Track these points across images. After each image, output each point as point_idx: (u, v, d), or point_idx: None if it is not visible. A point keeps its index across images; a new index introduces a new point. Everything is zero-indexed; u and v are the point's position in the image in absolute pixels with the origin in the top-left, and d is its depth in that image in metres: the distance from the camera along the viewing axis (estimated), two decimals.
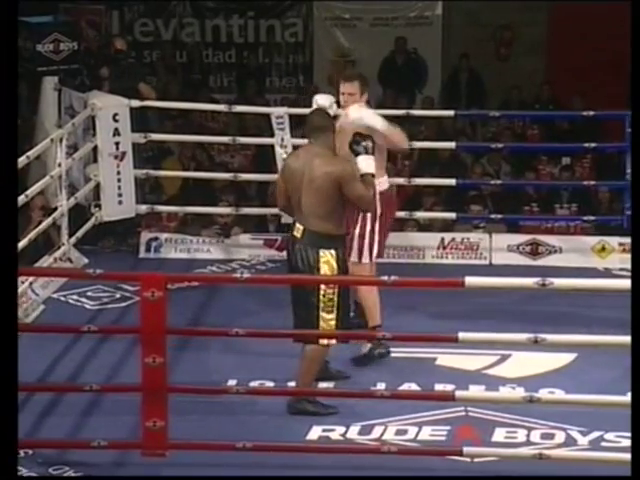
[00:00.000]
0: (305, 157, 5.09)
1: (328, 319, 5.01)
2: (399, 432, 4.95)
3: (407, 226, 7.84)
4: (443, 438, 4.91)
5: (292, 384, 5.38)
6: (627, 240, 7.46)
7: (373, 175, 5.07)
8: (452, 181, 7.44)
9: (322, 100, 5.78)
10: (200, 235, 7.65)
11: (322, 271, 4.99)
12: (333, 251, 5.02)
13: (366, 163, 5.06)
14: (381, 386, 5.32)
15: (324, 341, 5.05)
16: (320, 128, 5.07)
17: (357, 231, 5.59)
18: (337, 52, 11.39)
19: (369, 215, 5.55)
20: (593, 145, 7.66)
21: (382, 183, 5.62)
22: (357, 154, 5.09)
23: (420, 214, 7.70)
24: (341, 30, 11.41)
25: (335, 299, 5.00)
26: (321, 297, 4.98)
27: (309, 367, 5.08)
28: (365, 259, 5.61)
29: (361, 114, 5.61)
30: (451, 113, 7.96)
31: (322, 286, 4.96)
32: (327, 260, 5.02)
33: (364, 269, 5.61)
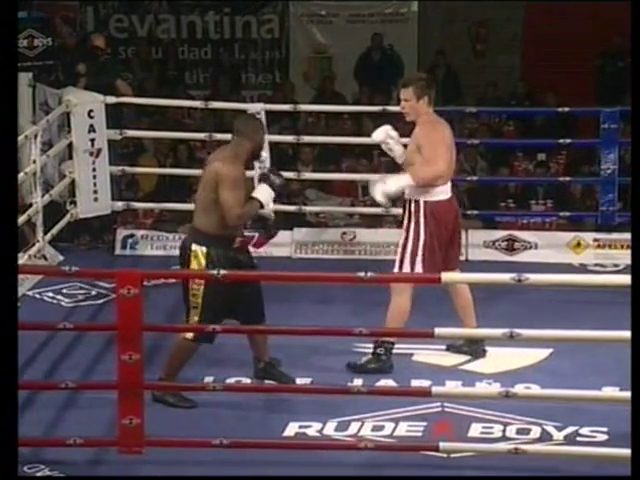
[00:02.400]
0: (213, 155, 5.26)
1: (192, 316, 5.10)
2: (376, 428, 4.96)
3: (385, 222, 7.86)
4: (419, 434, 4.92)
5: (269, 380, 5.39)
6: (601, 236, 7.51)
7: (262, 205, 5.06)
8: None
9: (378, 136, 5.62)
10: (176, 232, 7.63)
11: (191, 265, 5.08)
12: (204, 248, 5.07)
13: (262, 190, 5.08)
14: (358, 382, 5.32)
15: (188, 335, 5.10)
16: (238, 132, 5.15)
17: (400, 241, 5.46)
18: (313, 48, 11.39)
19: (412, 227, 5.39)
20: (568, 141, 7.70)
21: (430, 194, 5.38)
22: (264, 181, 5.11)
23: (397, 210, 7.70)
24: (317, 26, 11.40)
25: (200, 299, 5.06)
26: (190, 294, 5.07)
27: (171, 358, 5.15)
28: (405, 270, 5.39)
29: (381, 191, 5.37)
30: None
31: (190, 282, 5.05)
32: (196, 255, 5.09)
33: (406, 291, 5.37)
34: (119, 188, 7.80)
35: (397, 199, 5.65)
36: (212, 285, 4.99)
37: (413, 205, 5.41)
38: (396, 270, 5.43)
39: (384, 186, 5.36)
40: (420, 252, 5.38)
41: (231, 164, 5.06)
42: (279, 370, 5.38)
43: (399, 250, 5.46)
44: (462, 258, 7.43)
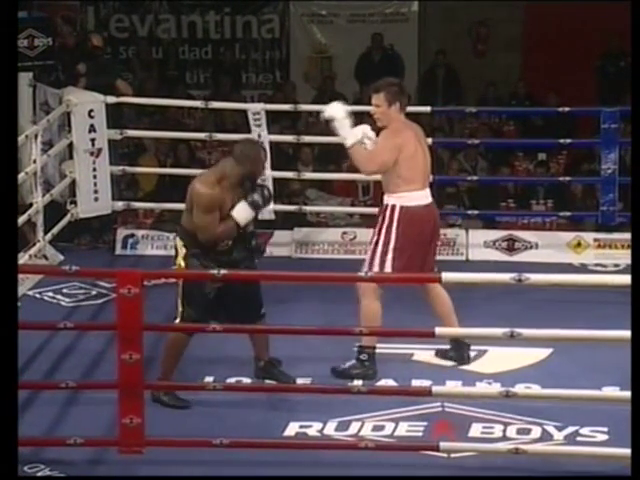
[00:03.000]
0: (200, 173, 5.42)
1: (179, 310, 5.18)
2: (376, 428, 4.96)
3: None
4: (420, 434, 4.92)
5: (270, 380, 5.39)
6: (602, 236, 7.51)
7: (239, 226, 5.04)
8: None
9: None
10: (177, 232, 7.63)
11: (177, 258, 5.19)
12: (183, 244, 5.16)
13: (240, 210, 5.05)
14: (358, 382, 5.32)
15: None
16: (234, 155, 5.16)
17: (372, 242, 5.45)
18: (314, 48, 11.39)
19: (384, 229, 5.39)
20: (568, 141, 7.71)
21: (404, 199, 5.39)
22: (246, 199, 5.08)
23: None
24: (318, 26, 11.40)
25: (181, 294, 5.16)
26: (179, 288, 5.17)
27: (165, 355, 5.19)
28: (375, 270, 5.35)
29: (332, 113, 5.42)
30: (428, 109, 7.98)
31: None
32: (178, 248, 5.19)
33: (374, 292, 5.33)
34: (119, 188, 7.80)
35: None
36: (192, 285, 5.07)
37: (389, 209, 5.41)
38: (365, 270, 5.35)
39: (337, 108, 5.39)
40: (390, 254, 5.35)
41: (209, 186, 5.06)
42: (279, 369, 5.38)
43: (369, 251, 5.46)
44: (462, 258, 7.50)
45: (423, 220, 5.42)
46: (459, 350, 5.58)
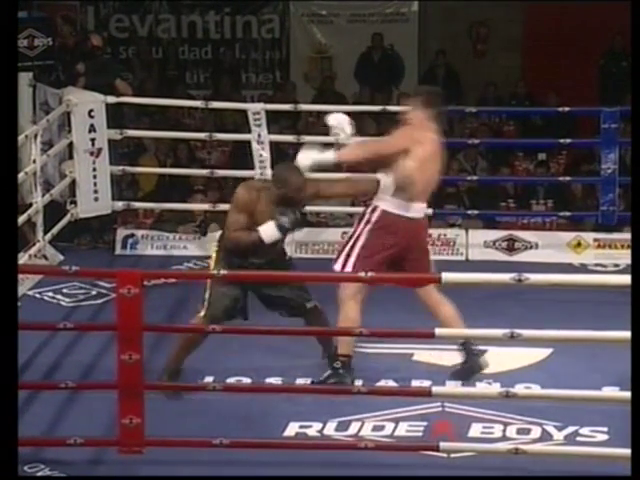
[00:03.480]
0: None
1: (205, 304, 5.24)
2: (376, 428, 4.96)
3: None
4: (420, 434, 4.92)
5: (270, 380, 5.40)
6: (602, 236, 7.51)
7: (262, 241, 5.07)
8: None
9: (333, 120, 5.43)
10: (176, 232, 7.63)
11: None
12: (216, 249, 5.29)
13: (267, 227, 5.09)
14: (358, 382, 5.32)
15: (197, 322, 5.23)
16: (273, 177, 5.28)
17: (345, 238, 5.41)
18: (314, 48, 11.39)
19: (359, 227, 5.29)
20: (568, 141, 7.71)
21: (390, 204, 5.26)
22: (276, 219, 5.12)
23: None
24: (318, 26, 11.40)
25: (206, 296, 5.22)
26: (204, 288, 5.25)
27: (179, 346, 5.25)
28: (337, 266, 5.29)
29: (303, 160, 5.28)
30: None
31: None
32: (212, 250, 5.33)
33: (349, 285, 5.27)
34: (119, 188, 7.80)
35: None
36: (218, 284, 5.10)
37: (371, 209, 5.31)
38: (334, 265, 5.31)
39: (308, 154, 5.28)
40: (356, 252, 5.27)
41: (248, 189, 5.23)
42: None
43: (341, 246, 5.42)
44: (462, 258, 7.50)
45: (400, 231, 5.24)
46: (470, 362, 5.45)
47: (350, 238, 5.35)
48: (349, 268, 5.26)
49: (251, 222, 5.15)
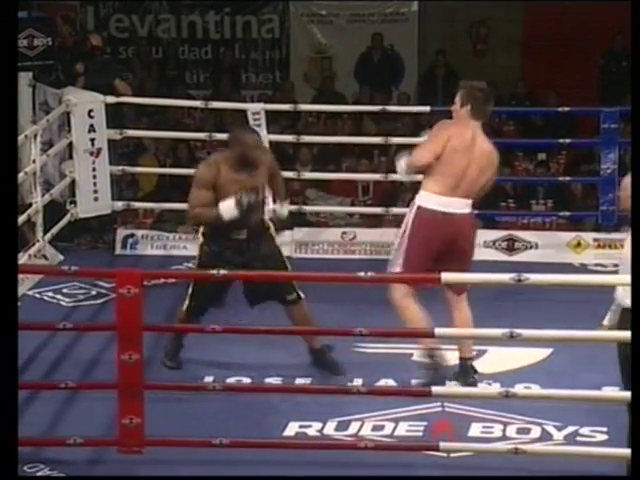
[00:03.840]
0: None
1: (188, 293, 5.42)
2: (376, 428, 4.96)
3: (384, 222, 7.85)
4: (420, 434, 4.92)
5: (269, 380, 5.40)
6: (602, 236, 7.51)
7: (221, 218, 5.18)
8: None
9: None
10: (176, 232, 7.63)
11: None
12: (202, 237, 5.42)
13: (226, 204, 5.21)
14: (358, 382, 5.32)
15: (183, 307, 5.43)
16: (230, 143, 5.40)
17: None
18: (314, 48, 11.40)
19: (401, 230, 5.31)
20: (568, 141, 7.70)
21: (425, 199, 5.27)
22: (235, 198, 5.22)
23: (397, 210, 7.71)
24: (318, 26, 11.40)
25: (190, 287, 5.40)
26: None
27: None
28: (391, 269, 5.30)
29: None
30: (427, 109, 7.96)
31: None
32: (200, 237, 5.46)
33: (398, 288, 5.26)
34: (119, 188, 7.80)
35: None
36: (205, 267, 5.26)
37: (410, 207, 5.35)
38: (389, 268, 5.36)
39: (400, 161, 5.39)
40: (402, 255, 5.28)
41: (206, 167, 5.38)
42: (326, 359, 5.45)
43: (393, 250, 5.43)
44: None
45: (438, 226, 5.22)
46: (465, 375, 5.42)
47: (397, 244, 5.35)
48: (398, 270, 5.27)
49: (215, 197, 5.26)
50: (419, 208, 5.28)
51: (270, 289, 5.36)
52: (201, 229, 5.45)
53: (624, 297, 4.19)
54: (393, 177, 7.58)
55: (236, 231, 5.32)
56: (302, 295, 5.45)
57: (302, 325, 5.40)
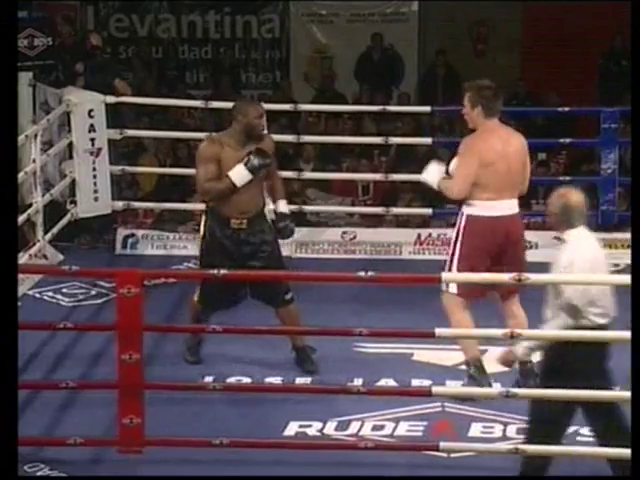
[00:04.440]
0: None
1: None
2: (376, 428, 4.96)
3: (385, 222, 7.86)
4: (420, 433, 4.92)
5: (270, 380, 5.40)
6: (602, 235, 7.48)
7: (234, 185, 5.23)
8: None
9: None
10: (177, 231, 7.63)
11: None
12: (204, 217, 5.47)
13: (236, 171, 5.25)
14: (358, 382, 5.32)
15: (195, 296, 5.51)
16: (231, 115, 5.53)
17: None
18: (314, 48, 11.40)
19: (452, 239, 5.29)
20: (568, 141, 7.70)
21: (472, 207, 5.24)
22: (246, 163, 5.27)
23: (397, 210, 7.71)
24: (318, 26, 11.40)
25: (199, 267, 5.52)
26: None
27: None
28: (444, 287, 5.21)
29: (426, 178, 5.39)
30: (427, 109, 7.97)
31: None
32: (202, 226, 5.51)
33: (449, 298, 5.23)
34: (119, 188, 7.80)
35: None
36: (206, 255, 5.36)
37: (459, 217, 5.30)
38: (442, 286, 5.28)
39: (427, 174, 5.37)
40: (455, 264, 5.24)
41: (208, 142, 5.44)
42: (308, 358, 5.47)
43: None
44: None
45: (489, 231, 5.17)
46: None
47: (449, 254, 5.32)
48: (453, 286, 5.21)
49: (220, 172, 5.29)
50: (469, 216, 5.24)
51: (268, 288, 5.36)
52: (204, 208, 5.48)
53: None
54: (393, 177, 7.59)
55: (237, 219, 5.33)
56: (294, 296, 5.47)
57: (293, 325, 5.41)
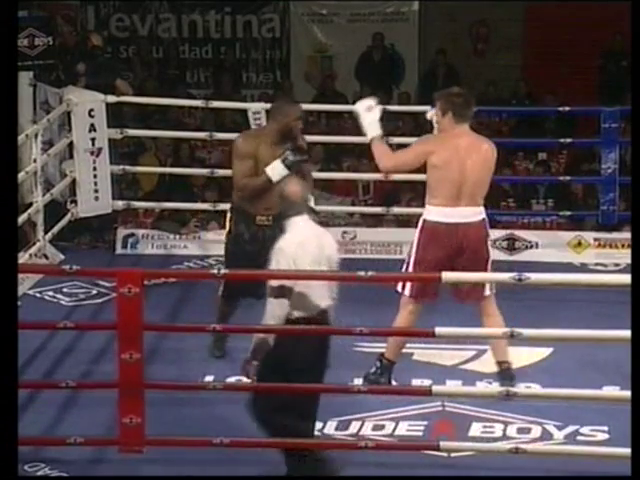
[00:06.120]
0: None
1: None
2: (376, 427, 4.96)
3: (385, 222, 7.86)
4: (420, 433, 4.92)
5: None
6: (602, 235, 7.51)
7: (271, 181, 5.24)
8: None
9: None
10: (177, 231, 7.63)
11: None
12: (229, 213, 5.56)
13: (273, 165, 5.28)
14: (358, 382, 5.32)
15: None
16: (270, 114, 5.59)
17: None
18: (314, 48, 11.40)
19: (411, 242, 5.29)
20: (568, 140, 7.71)
21: (428, 212, 5.21)
22: (283, 159, 5.29)
23: (398, 209, 7.71)
24: (318, 26, 11.40)
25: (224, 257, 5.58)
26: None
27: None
28: (399, 288, 5.29)
29: (356, 107, 5.31)
30: (428, 109, 7.94)
31: None
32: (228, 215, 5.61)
33: (404, 302, 5.26)
34: (120, 187, 7.80)
35: None
36: (230, 251, 5.43)
37: (419, 221, 5.30)
38: (396, 287, 5.32)
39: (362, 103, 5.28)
40: (411, 267, 5.25)
41: (244, 137, 5.48)
42: None
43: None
44: None
45: (442, 237, 5.15)
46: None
47: (407, 255, 5.33)
48: (407, 289, 5.24)
49: (255, 169, 5.33)
50: (424, 221, 5.24)
51: None
52: (228, 215, 5.55)
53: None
54: (393, 177, 7.58)
55: (262, 216, 5.39)
56: None
57: None
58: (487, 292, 5.25)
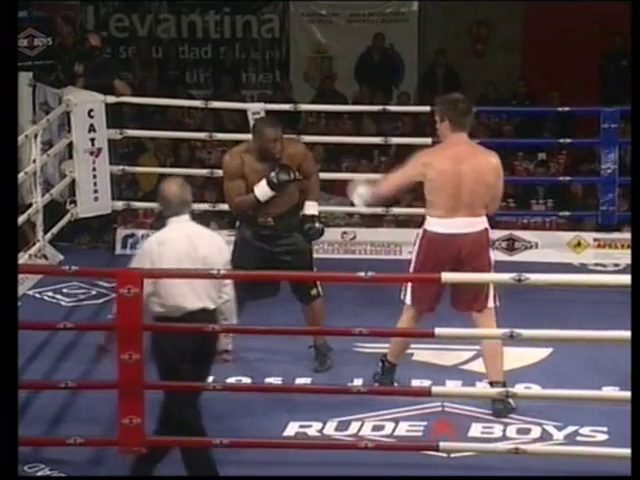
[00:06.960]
0: None
1: None
2: (376, 428, 4.96)
3: (384, 222, 7.85)
4: (420, 433, 4.92)
5: (270, 380, 5.39)
6: (602, 235, 7.51)
7: (259, 200, 5.35)
8: None
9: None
10: None
11: None
12: (238, 222, 5.65)
13: (260, 186, 5.36)
14: (358, 382, 5.32)
15: None
16: (252, 134, 5.56)
17: None
18: (314, 48, 11.40)
19: (411, 253, 5.29)
20: (568, 141, 7.71)
21: (428, 223, 5.20)
22: (268, 181, 5.35)
23: (397, 210, 7.71)
24: (317, 26, 11.41)
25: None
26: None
27: None
28: (402, 296, 5.26)
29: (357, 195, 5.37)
30: (427, 109, 7.95)
31: None
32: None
33: (406, 311, 5.25)
34: (119, 187, 7.80)
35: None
36: (237, 253, 5.41)
37: (419, 232, 5.29)
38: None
39: (358, 190, 5.32)
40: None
41: (232, 157, 5.51)
42: (322, 356, 5.54)
43: None
44: None
45: (440, 247, 5.12)
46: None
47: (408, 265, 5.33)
48: (408, 297, 5.24)
49: (246, 185, 5.40)
50: (424, 231, 5.22)
51: (293, 284, 5.48)
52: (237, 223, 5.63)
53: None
54: None
55: (263, 218, 5.44)
56: (321, 292, 5.56)
57: (317, 321, 5.48)
58: (490, 304, 5.20)
